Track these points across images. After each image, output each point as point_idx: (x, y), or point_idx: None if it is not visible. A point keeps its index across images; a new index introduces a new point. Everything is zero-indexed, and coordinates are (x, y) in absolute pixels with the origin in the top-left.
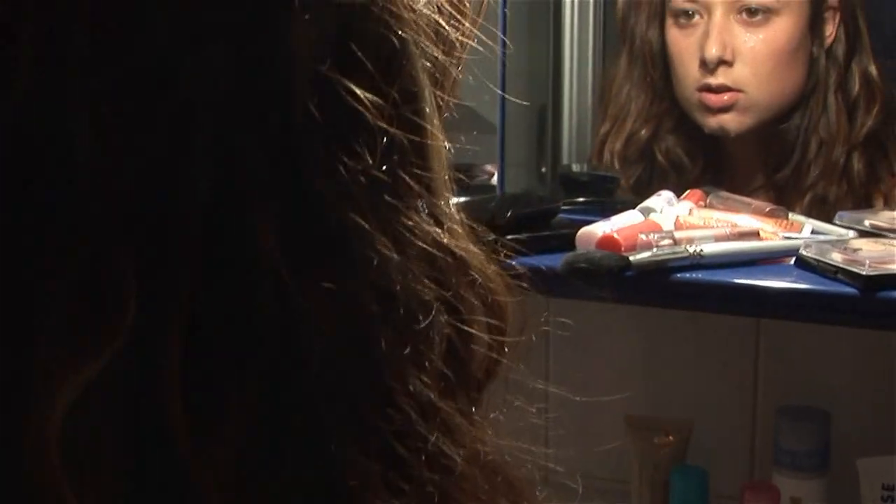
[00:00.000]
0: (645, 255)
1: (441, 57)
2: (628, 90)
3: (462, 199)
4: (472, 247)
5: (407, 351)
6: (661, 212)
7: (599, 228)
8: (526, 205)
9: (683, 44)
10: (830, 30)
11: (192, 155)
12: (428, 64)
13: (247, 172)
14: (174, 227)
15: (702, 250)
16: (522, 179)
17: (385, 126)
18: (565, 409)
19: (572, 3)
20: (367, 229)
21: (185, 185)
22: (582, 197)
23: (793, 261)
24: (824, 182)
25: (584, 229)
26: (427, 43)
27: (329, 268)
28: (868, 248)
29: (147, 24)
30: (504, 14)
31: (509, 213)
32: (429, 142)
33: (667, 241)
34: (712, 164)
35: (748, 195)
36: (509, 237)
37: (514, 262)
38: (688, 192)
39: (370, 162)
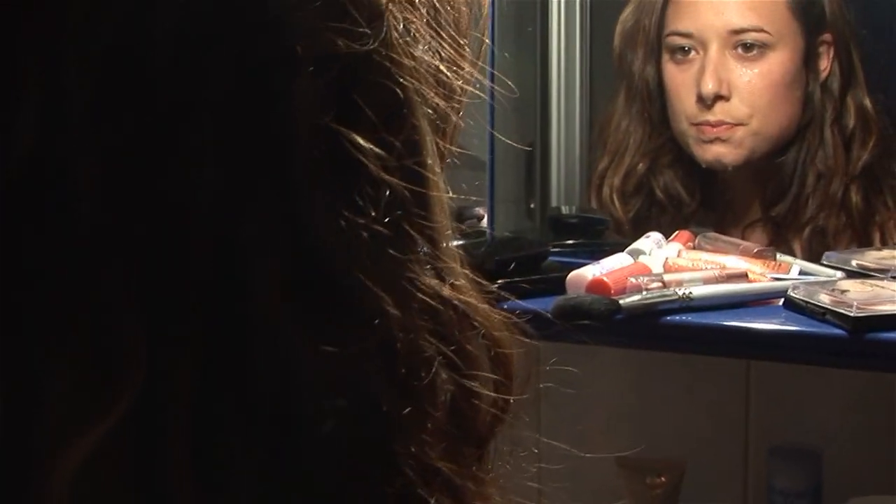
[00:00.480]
0: (634, 298)
1: (442, 104)
2: (626, 125)
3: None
4: (475, 298)
5: (408, 410)
6: (650, 254)
7: (589, 272)
8: (516, 249)
9: (679, 79)
10: (825, 64)
11: (195, 208)
12: (429, 111)
13: (248, 227)
14: (180, 286)
15: (691, 293)
16: (511, 215)
17: (388, 178)
18: (557, 452)
19: (559, 38)
20: (369, 285)
21: (191, 241)
22: (571, 239)
23: (781, 302)
24: (823, 214)
25: (574, 273)
26: (428, 90)
27: (331, 325)
28: (856, 290)
29: (149, 86)
30: (492, 50)
31: (499, 258)
32: (431, 192)
33: (656, 284)
34: (710, 198)
35: (747, 228)
36: (500, 281)
37: (507, 308)
38: (676, 233)
39: (373, 215)
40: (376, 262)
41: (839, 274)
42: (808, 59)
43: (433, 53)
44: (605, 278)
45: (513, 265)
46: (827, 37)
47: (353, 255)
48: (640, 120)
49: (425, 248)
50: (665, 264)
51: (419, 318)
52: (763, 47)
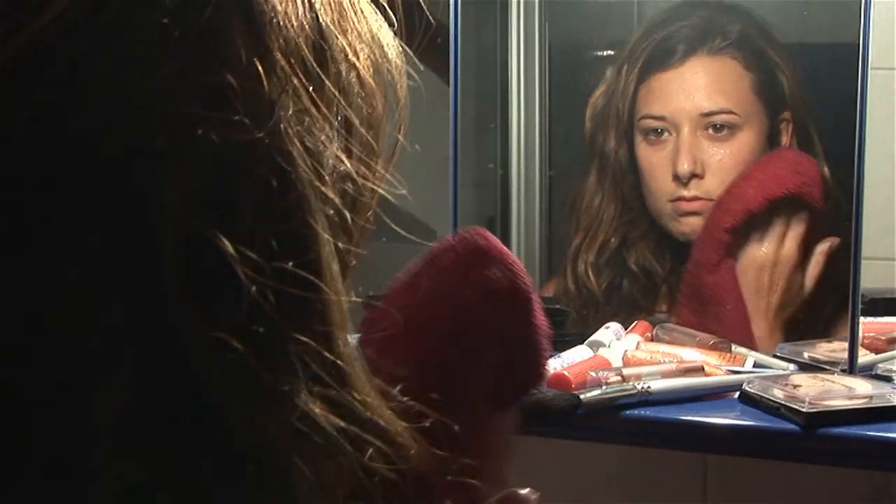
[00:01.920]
0: (595, 392)
1: (345, 201)
2: (599, 202)
3: None
4: (377, 409)
5: None
6: (609, 346)
7: (550, 366)
8: None
9: (654, 159)
10: (786, 139)
11: (43, 313)
12: (327, 208)
13: (98, 336)
14: (28, 397)
15: (649, 387)
16: None
17: (264, 281)
18: None
19: (519, 131)
20: (225, 404)
21: (37, 349)
22: None
23: (737, 395)
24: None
25: None
26: (327, 187)
27: (183, 443)
28: (807, 385)
29: (10, 179)
30: (455, 122)
31: None
32: (322, 297)
33: (616, 378)
34: (680, 267)
35: None
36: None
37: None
38: (634, 324)
39: (240, 326)
40: (239, 373)
41: (792, 366)
42: (772, 136)
43: (337, 148)
44: (566, 373)
45: None
46: (787, 114)
47: (212, 372)
48: (612, 197)
49: (306, 360)
50: (624, 357)
51: (287, 440)
52: (732, 128)
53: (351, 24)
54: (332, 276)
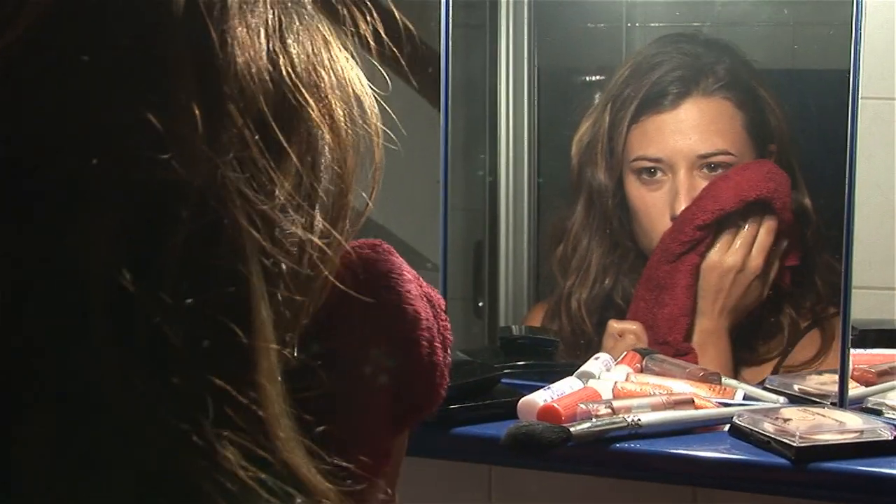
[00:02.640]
0: (585, 425)
1: (299, 257)
2: (587, 242)
3: None
4: (294, 458)
5: None
6: (599, 377)
7: (540, 398)
8: (468, 374)
9: (650, 200)
10: None
11: None
12: (267, 259)
13: (17, 373)
14: None
15: (639, 420)
16: (458, 313)
17: (177, 320)
18: None
19: (507, 162)
20: (136, 433)
21: None
22: (521, 359)
23: (727, 428)
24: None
25: (525, 399)
26: (268, 239)
27: (91, 470)
28: (798, 418)
29: None
30: (446, 147)
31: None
32: (242, 341)
33: (605, 410)
34: None
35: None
36: (453, 406)
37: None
38: (624, 354)
39: (149, 358)
40: (141, 414)
41: (782, 399)
42: None
43: (290, 205)
44: (555, 405)
45: (465, 390)
46: (772, 147)
47: (121, 404)
48: (601, 235)
49: (220, 403)
50: (614, 388)
51: (199, 482)
52: (726, 167)
53: (326, 82)
54: (260, 323)
